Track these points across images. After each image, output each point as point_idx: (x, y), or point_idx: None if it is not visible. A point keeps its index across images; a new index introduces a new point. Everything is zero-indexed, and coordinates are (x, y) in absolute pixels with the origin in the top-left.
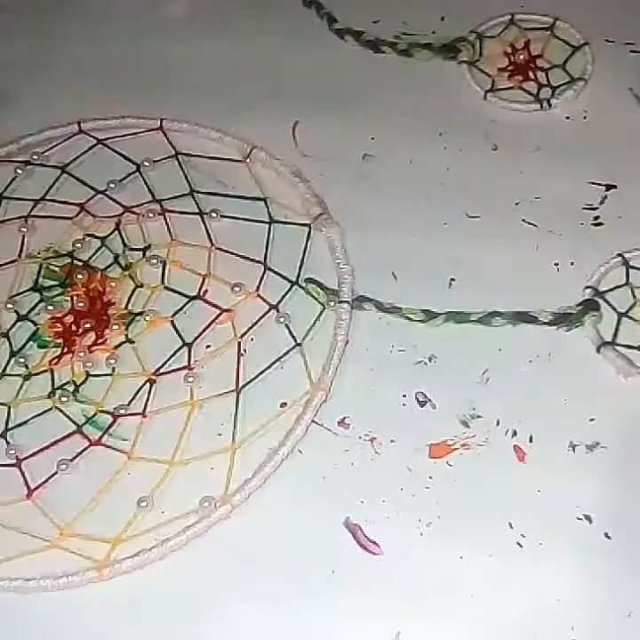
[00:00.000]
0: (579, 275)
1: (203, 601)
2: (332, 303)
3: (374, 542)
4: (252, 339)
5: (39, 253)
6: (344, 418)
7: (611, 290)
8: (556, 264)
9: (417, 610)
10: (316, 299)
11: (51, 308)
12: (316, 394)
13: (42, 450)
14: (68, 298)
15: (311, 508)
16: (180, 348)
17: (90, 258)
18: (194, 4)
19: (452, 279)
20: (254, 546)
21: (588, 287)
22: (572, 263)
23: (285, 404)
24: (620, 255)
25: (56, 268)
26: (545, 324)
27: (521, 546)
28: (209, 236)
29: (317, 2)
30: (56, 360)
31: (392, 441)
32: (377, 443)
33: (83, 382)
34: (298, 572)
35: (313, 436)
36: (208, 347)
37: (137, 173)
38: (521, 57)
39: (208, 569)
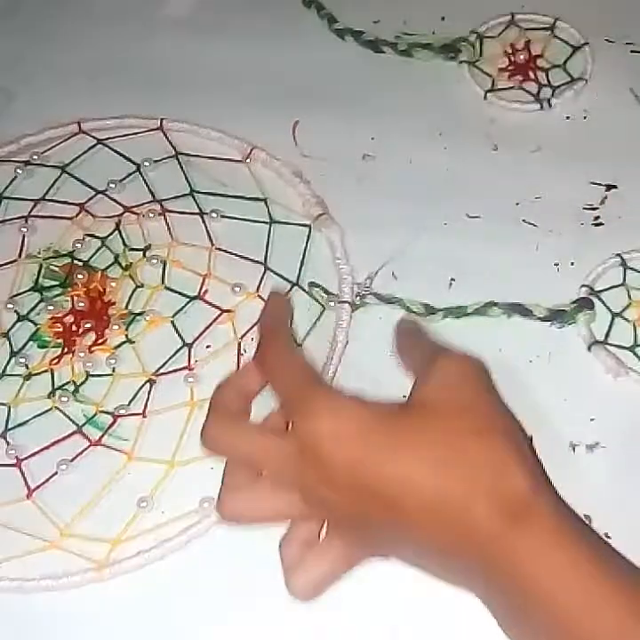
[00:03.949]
0: (579, 275)
1: (202, 601)
2: (332, 303)
3: None
4: (252, 339)
5: (39, 253)
6: None
7: (606, 289)
8: (556, 264)
9: (415, 609)
10: (320, 302)
11: (51, 308)
12: None
13: (42, 450)
14: (69, 298)
15: None
16: (181, 348)
17: (90, 258)
18: (194, 4)
19: (453, 279)
20: (254, 546)
21: (583, 285)
22: (572, 263)
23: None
24: (618, 255)
25: (56, 268)
26: (539, 319)
27: None
28: (209, 236)
29: (317, 2)
30: (56, 360)
31: None
32: None
33: (83, 382)
34: None
35: None
36: (208, 347)
37: (137, 173)
38: (521, 57)
39: (208, 569)
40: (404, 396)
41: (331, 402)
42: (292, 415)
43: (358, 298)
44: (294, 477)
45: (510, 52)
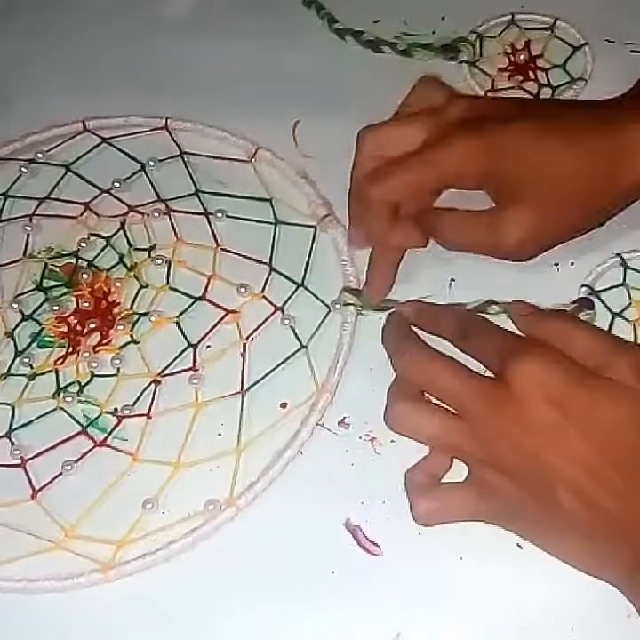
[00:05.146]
0: (579, 275)
1: (207, 603)
2: (338, 306)
3: (374, 543)
4: (252, 339)
5: (42, 253)
6: (344, 418)
7: (606, 289)
8: (556, 264)
9: (417, 610)
10: (354, 305)
11: (56, 308)
12: (322, 396)
13: (47, 450)
14: (73, 298)
15: (311, 509)
16: (185, 349)
17: (95, 257)
18: (194, 4)
19: (453, 279)
20: (255, 547)
21: (583, 285)
22: (572, 263)
23: (287, 404)
24: (618, 255)
25: (60, 268)
26: None
27: (521, 547)
28: (214, 236)
29: (317, 2)
30: (61, 360)
31: (392, 441)
32: (377, 443)
33: (87, 383)
34: (298, 573)
35: (313, 437)
36: (208, 347)
37: (142, 172)
38: (521, 57)
39: (212, 571)
40: None
41: (541, 349)
42: (503, 362)
43: (359, 309)
44: (488, 419)
45: (510, 51)
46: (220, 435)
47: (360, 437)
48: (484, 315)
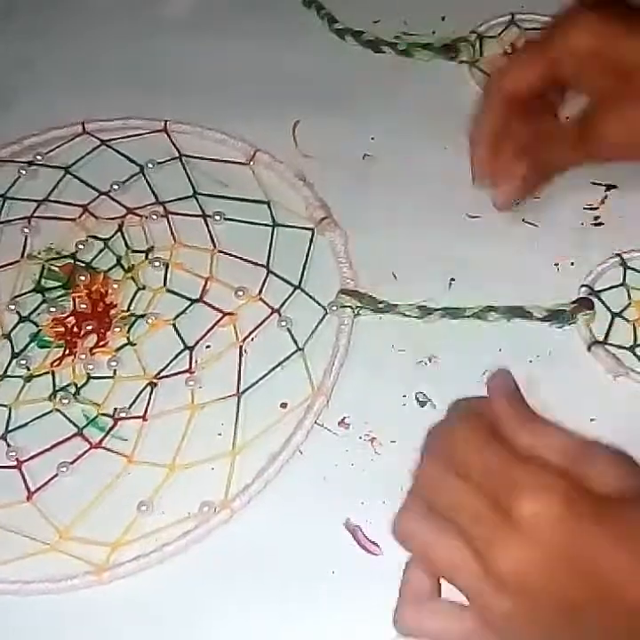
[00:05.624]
0: (579, 275)
1: (202, 605)
2: (335, 308)
3: (374, 543)
4: (251, 340)
5: (39, 254)
6: (344, 418)
7: (606, 289)
8: (556, 264)
9: None
10: (350, 307)
11: (53, 309)
12: (317, 399)
13: (42, 452)
14: (70, 299)
15: (311, 509)
16: (182, 351)
17: (92, 259)
18: (194, 4)
19: (453, 279)
20: (255, 547)
21: (583, 285)
22: (572, 263)
23: (285, 404)
24: (618, 255)
25: (60, 268)
26: (539, 320)
27: None
28: (212, 238)
29: (317, 2)
30: (57, 362)
31: (392, 441)
32: (377, 443)
33: (84, 384)
34: (298, 573)
35: (313, 437)
36: (208, 347)
37: (140, 175)
38: None
39: (207, 573)
40: (404, 396)
41: (538, 480)
42: (501, 500)
43: (356, 310)
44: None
45: (510, 52)
46: (220, 435)
47: (360, 437)
48: (482, 322)
